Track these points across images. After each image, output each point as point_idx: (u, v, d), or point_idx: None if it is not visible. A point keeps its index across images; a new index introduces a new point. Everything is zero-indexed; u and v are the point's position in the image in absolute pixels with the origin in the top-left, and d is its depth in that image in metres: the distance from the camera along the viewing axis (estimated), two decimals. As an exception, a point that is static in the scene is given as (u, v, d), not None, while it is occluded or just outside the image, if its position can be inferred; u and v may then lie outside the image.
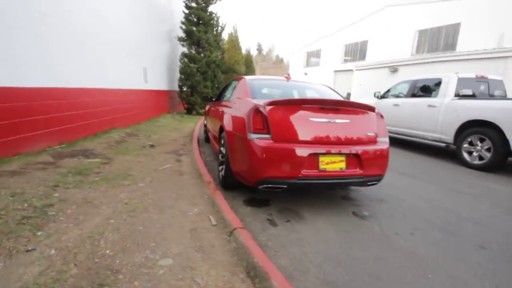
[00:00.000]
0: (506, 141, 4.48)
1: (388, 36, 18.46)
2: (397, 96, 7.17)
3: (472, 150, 5.04)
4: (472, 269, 1.96)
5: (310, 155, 2.46)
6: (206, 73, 10.78)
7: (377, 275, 1.83)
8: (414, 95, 6.60)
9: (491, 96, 5.83)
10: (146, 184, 3.02)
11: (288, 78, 3.76)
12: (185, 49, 10.52)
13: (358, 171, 2.62)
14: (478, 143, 4.95)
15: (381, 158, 2.75)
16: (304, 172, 2.45)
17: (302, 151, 2.44)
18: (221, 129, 3.44)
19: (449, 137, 5.49)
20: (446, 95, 5.72)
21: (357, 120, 2.74)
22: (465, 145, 5.15)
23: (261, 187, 2.51)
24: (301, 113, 2.56)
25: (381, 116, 2.94)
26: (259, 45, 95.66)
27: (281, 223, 2.49)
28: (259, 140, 2.45)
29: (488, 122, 4.76)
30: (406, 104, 6.62)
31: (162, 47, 9.71)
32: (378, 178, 2.78)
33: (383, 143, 2.84)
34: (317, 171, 2.49)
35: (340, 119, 2.65)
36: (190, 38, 10.20)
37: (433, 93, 6.07)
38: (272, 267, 1.64)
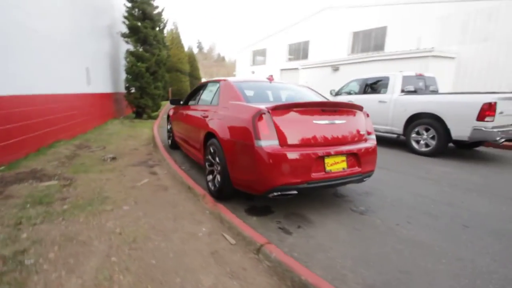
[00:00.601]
0: (447, 130, 5.27)
1: (327, 37, 19.93)
2: (350, 93, 7.80)
3: (419, 139, 5.79)
4: (469, 248, 2.23)
5: (318, 157, 2.46)
6: (156, 73, 9.96)
7: (405, 269, 1.92)
8: (365, 92, 7.26)
9: (429, 91, 6.79)
10: (131, 207, 2.61)
11: (270, 79, 3.70)
12: (130, 47, 9.51)
13: (357, 169, 2.72)
14: (424, 132, 5.71)
15: (373, 154, 2.92)
16: (313, 175, 2.44)
17: (310, 155, 2.41)
18: (208, 136, 3.20)
19: (399, 128, 6.21)
20: (394, 91, 6.43)
21: (351, 120, 2.84)
22: (413, 135, 5.89)
23: (271, 195, 2.40)
24: (305, 116, 2.53)
25: (368, 115, 3.12)
26: (200, 43, 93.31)
27: (293, 230, 2.43)
28: (268, 146, 2.33)
29: (431, 114, 5.52)
30: (359, 101, 7.23)
31: (103, 44, 8.58)
32: (370, 174, 2.95)
33: (372, 140, 3.02)
34: (323, 173, 2.50)
35: (339, 120, 2.71)
36: (135, 34, 9.26)
37: (382, 90, 6.77)
38: (323, 282, 1.57)
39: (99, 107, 7.82)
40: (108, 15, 9.09)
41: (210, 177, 3.21)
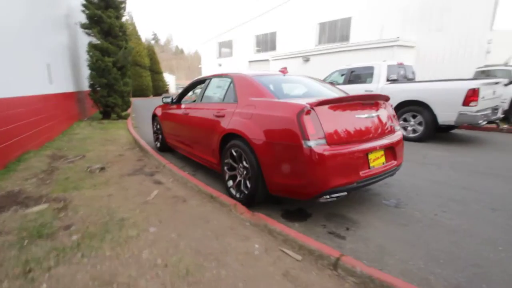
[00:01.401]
0: (434, 116, 5.55)
1: (294, 28, 20.01)
2: (332, 83, 7.88)
3: (407, 125, 6.04)
4: (510, 231, 2.29)
5: (364, 154, 2.32)
6: (124, 67, 9.00)
7: (474, 262, 1.89)
8: (350, 82, 7.37)
9: (408, 79, 7.11)
10: (158, 227, 2.22)
11: (284, 72, 3.45)
12: (92, 39, 8.41)
13: (393, 162, 2.66)
14: (411, 119, 5.97)
15: (403, 145, 2.87)
16: (361, 173, 2.30)
17: (358, 152, 2.27)
18: (227, 138, 2.87)
19: (386, 116, 6.42)
20: (380, 80, 6.61)
21: (383, 112, 2.75)
22: (401, 122, 6.12)
23: (321, 199, 2.21)
24: (347, 110, 2.37)
25: (391, 105, 3.06)
26: (155, 35, 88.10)
27: (344, 232, 2.29)
28: (318, 147, 2.12)
29: (418, 101, 5.77)
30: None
31: (62, 37, 7.44)
32: (400, 166, 2.91)
33: (398, 129, 2.97)
34: (368, 170, 2.38)
35: (375, 113, 2.60)
36: (97, 25, 8.19)
37: (368, 79, 6.92)
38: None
39: (64, 109, 6.82)
40: (64, 2, 7.89)
41: (231, 182, 2.91)
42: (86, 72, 8.42)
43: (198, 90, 4.06)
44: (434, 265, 1.86)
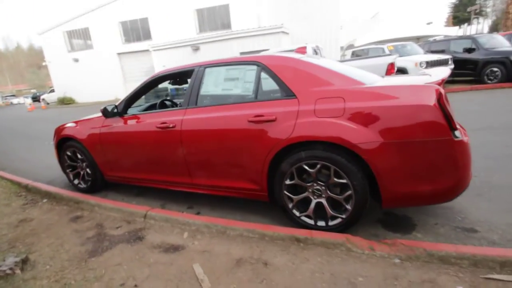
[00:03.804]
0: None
1: (169, 14, 18.06)
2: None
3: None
4: None
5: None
6: None
7: None
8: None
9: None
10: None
11: (303, 51, 2.72)
12: None
13: None
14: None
15: None
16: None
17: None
18: (283, 151, 1.96)
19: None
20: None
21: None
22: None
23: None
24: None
25: None
26: None
27: (474, 230, 1.99)
28: (462, 137, 1.69)
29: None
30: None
31: None
32: None
33: None
34: None
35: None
36: None
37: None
38: None
39: None
40: None
41: (296, 211, 2.07)
42: None
43: (196, 89, 2.56)
44: None
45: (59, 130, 3.33)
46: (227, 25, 17.62)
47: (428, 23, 30.44)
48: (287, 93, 2.03)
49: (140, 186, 3.11)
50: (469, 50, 8.41)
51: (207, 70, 2.44)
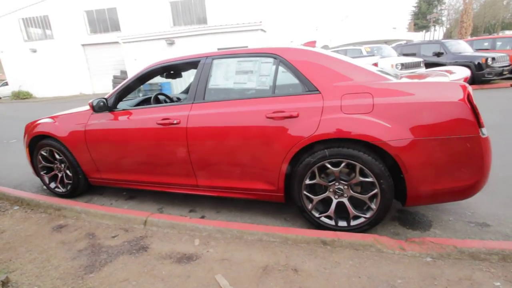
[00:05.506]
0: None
1: (140, 5, 17.05)
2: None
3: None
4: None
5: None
6: None
7: None
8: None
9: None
10: None
11: (313, 45, 2.61)
12: None
13: None
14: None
15: None
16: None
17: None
18: (302, 150, 1.86)
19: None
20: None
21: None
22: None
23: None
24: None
25: None
26: None
27: (484, 224, 2.05)
28: (487, 135, 1.71)
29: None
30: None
31: None
32: None
33: None
34: None
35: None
36: None
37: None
38: None
39: None
40: None
41: (315, 212, 1.98)
42: None
43: (200, 84, 2.30)
44: None
45: (31, 127, 2.90)
46: (203, 20, 17.09)
47: (394, 28, 32.40)
48: (309, 88, 1.92)
49: (130, 189, 2.82)
50: (438, 54, 9.00)
51: (215, 61, 2.24)
